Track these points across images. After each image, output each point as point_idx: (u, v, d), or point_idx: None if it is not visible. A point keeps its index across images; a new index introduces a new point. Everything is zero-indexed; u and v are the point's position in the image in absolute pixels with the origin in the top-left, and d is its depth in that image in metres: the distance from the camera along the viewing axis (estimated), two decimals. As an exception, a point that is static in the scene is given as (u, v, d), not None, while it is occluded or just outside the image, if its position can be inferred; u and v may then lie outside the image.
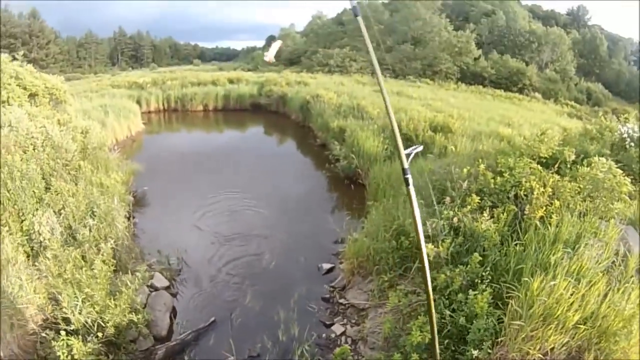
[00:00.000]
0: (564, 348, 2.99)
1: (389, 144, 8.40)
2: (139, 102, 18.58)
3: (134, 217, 7.42)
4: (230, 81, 22.69)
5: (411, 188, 2.25)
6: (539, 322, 3.00)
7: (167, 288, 5.46)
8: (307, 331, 4.61)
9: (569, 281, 3.16)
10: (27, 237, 4.75)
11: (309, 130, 14.31)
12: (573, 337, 2.98)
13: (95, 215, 5.58)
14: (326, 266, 5.93)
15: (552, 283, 3.13)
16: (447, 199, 4.77)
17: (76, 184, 6.35)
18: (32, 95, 10.29)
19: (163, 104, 20.68)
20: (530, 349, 2.93)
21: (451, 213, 4.41)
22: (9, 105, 8.84)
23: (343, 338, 4.52)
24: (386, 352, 3.73)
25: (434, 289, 3.66)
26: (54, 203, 5.45)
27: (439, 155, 7.14)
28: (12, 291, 3.85)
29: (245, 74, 26.34)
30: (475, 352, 3.06)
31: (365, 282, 5.02)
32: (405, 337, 3.53)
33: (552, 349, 2.97)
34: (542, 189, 4.34)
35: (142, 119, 16.53)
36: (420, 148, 2.29)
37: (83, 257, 4.51)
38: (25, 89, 10.06)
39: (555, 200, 4.26)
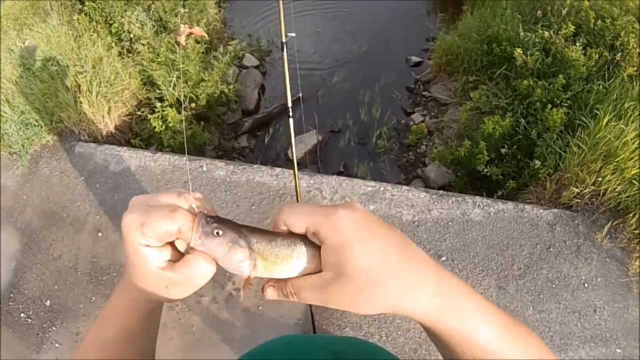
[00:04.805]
0: (614, 197, 3.13)
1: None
2: None
3: (223, 6, 6.91)
4: None
5: None
6: (600, 157, 3.20)
7: (257, 67, 5.60)
8: (387, 115, 4.99)
9: (640, 135, 3.24)
10: (117, 38, 4.87)
11: None
12: (625, 191, 3.10)
13: (185, 6, 5.43)
14: (415, 59, 5.83)
15: (622, 126, 3.24)
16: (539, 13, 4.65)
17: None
18: None
19: None
20: (586, 177, 3.16)
21: (546, 33, 4.33)
22: None
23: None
24: (458, 142, 4.17)
25: (514, 97, 3.97)
26: (142, 0, 5.30)
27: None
28: (109, 79, 4.18)
29: None
30: (538, 163, 3.44)
31: (450, 80, 5.11)
32: (478, 131, 3.89)
33: (604, 192, 3.17)
34: (637, 49, 4.23)
35: None
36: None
37: (176, 42, 4.54)
38: None
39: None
